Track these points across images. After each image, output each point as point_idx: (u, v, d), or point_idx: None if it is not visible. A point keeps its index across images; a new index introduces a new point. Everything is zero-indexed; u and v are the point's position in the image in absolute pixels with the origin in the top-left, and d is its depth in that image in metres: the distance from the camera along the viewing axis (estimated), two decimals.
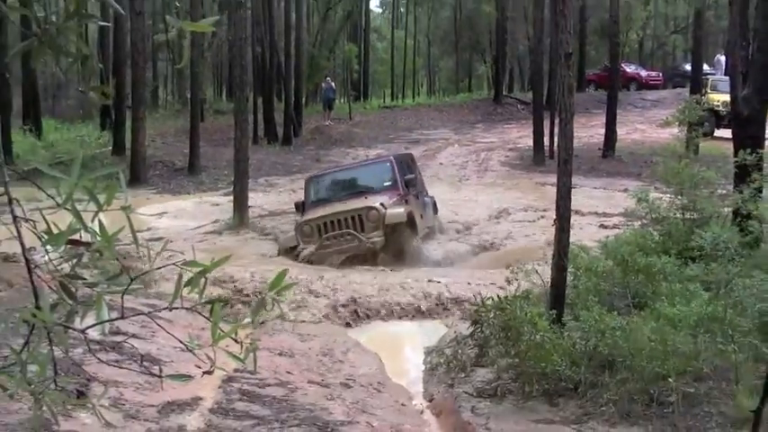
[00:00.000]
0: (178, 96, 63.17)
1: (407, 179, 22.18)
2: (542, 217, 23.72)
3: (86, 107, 49.56)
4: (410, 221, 20.76)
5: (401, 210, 20.55)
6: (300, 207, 22.20)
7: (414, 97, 75.09)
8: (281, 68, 48.56)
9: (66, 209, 2.32)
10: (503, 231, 22.84)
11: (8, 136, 35.62)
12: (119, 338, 10.97)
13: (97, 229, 2.38)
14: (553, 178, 13.67)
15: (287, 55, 48.25)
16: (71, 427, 8.27)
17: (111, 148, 38.91)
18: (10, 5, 2.57)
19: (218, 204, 28.17)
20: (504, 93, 58.18)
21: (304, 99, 52.61)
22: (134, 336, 11.00)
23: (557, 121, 17.22)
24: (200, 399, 9.75)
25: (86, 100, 45.95)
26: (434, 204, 23.99)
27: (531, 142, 37.96)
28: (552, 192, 14.12)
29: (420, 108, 59.45)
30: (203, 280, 2.52)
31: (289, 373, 11.62)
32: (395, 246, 20.27)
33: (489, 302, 11.39)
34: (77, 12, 2.42)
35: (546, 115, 36.32)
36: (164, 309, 2.61)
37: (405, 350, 14.65)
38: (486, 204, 26.95)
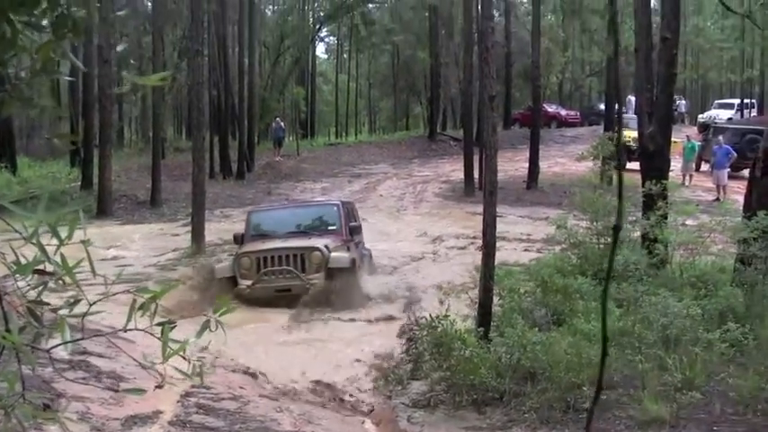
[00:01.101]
0: (141, 135, 62.82)
1: (352, 226, 20.51)
2: (472, 243, 23.83)
3: (55, 148, 49.21)
4: (352, 268, 18.64)
5: (345, 255, 18.80)
6: (239, 239, 20.00)
7: (356, 135, 75.15)
8: (234, 110, 48.68)
9: (32, 243, 2.39)
10: (435, 260, 22.82)
11: None
12: (87, 358, 10.97)
13: (59, 261, 2.44)
14: (483, 208, 13.80)
15: (240, 98, 48.40)
16: None
17: (80, 183, 38.61)
18: None
19: (177, 234, 28.03)
20: (438, 131, 58.46)
21: (256, 137, 52.51)
22: (100, 355, 10.98)
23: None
24: (161, 412, 9.75)
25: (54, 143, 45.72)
26: (370, 256, 21.80)
27: (462, 175, 38.19)
28: (481, 220, 14.26)
29: (362, 145, 59.58)
30: (154, 305, 2.58)
31: (241, 387, 11.64)
32: (334, 290, 17.87)
33: (422, 322, 11.51)
34: (44, 68, 2.50)
35: (476, 151, 36.56)
36: (119, 330, 2.67)
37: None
38: (421, 233, 27.09)
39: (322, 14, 70.74)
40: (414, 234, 26.95)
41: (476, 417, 10.03)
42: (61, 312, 2.52)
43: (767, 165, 13.60)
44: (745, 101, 65.98)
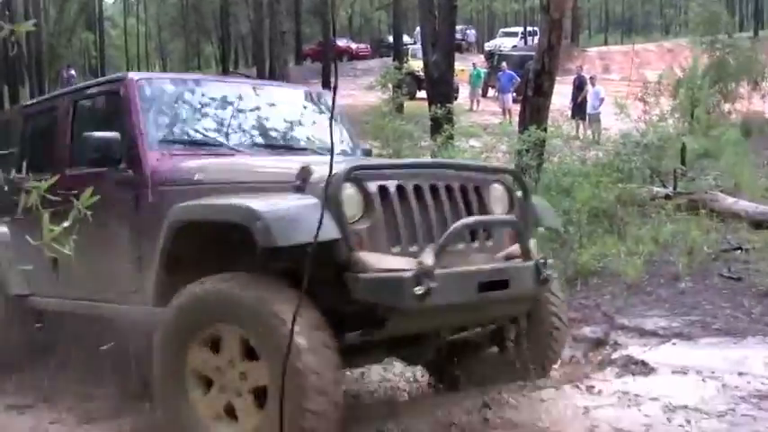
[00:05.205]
0: None
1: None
2: None
3: None
4: None
5: None
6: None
7: None
8: (23, 58, 47.61)
9: None
10: None
11: None
12: None
13: None
14: None
15: (28, 45, 47.34)
16: None
17: None
18: None
19: None
20: (231, 69, 58.64)
21: (47, 85, 51.53)
22: None
23: None
24: None
25: None
26: None
27: None
28: None
29: None
30: None
31: None
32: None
33: None
34: None
35: None
36: None
37: None
38: None
39: None
40: None
41: None
42: None
43: (537, 85, 14.90)
44: (529, 29, 68.31)
